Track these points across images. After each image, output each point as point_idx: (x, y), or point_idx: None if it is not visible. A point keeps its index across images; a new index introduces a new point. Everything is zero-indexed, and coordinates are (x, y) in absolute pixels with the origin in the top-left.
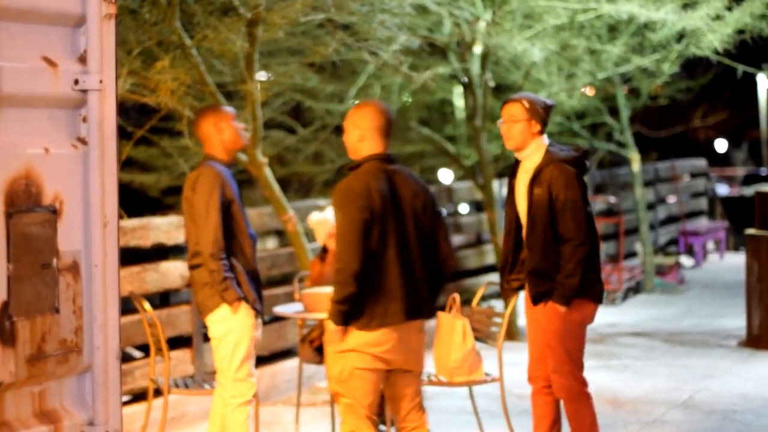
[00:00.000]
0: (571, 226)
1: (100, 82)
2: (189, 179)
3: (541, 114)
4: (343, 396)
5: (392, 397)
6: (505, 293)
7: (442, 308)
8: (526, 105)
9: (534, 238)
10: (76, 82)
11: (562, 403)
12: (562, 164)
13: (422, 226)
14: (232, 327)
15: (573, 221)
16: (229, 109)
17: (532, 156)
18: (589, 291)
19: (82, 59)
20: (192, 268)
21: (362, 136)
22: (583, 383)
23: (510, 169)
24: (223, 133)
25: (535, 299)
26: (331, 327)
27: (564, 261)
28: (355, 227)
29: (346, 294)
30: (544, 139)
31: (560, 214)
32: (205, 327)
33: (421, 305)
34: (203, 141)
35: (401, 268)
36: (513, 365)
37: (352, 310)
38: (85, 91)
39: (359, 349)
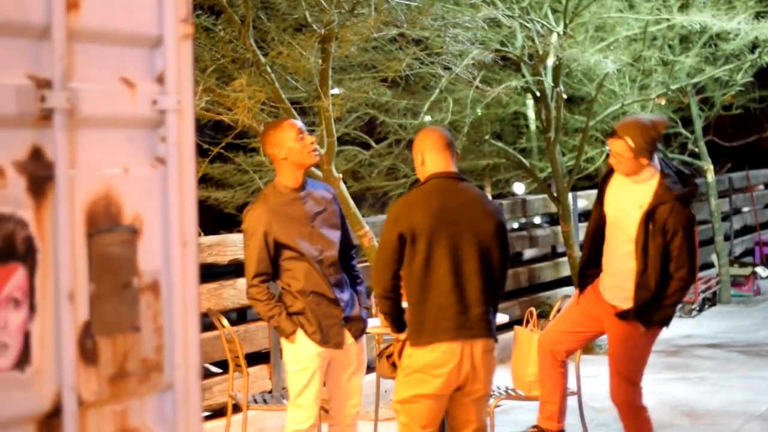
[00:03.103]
0: (684, 267)
1: (178, 102)
2: None
3: (648, 147)
4: (402, 415)
5: (450, 420)
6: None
7: (519, 322)
8: (631, 144)
9: (646, 276)
10: (155, 102)
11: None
12: (678, 204)
13: (486, 250)
14: (293, 354)
15: (687, 263)
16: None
17: (644, 183)
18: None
19: (160, 80)
20: None
21: (423, 159)
22: (641, 397)
23: (602, 179)
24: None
25: (624, 316)
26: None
27: (669, 291)
28: (387, 245)
29: (383, 308)
30: (655, 162)
31: (674, 252)
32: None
33: (476, 325)
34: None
35: (453, 285)
36: (590, 378)
37: (401, 322)
38: (163, 112)
39: (422, 370)
